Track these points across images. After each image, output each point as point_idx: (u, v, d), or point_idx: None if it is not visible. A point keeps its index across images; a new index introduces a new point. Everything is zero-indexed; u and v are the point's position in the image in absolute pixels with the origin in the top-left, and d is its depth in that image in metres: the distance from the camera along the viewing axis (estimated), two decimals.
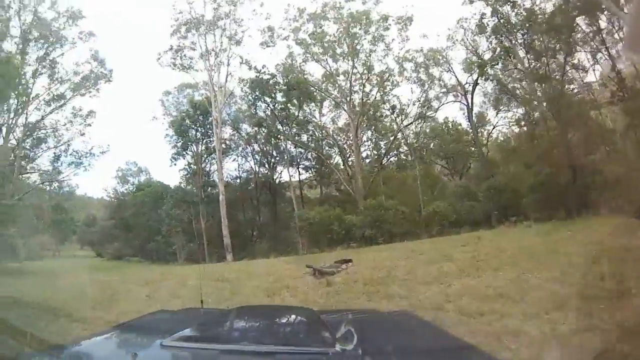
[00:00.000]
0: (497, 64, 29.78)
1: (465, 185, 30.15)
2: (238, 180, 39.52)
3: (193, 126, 36.85)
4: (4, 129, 26.37)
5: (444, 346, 2.51)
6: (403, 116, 34.82)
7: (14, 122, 26.52)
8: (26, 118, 27.44)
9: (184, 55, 32.46)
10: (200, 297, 4.61)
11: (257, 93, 34.32)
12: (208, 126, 35.76)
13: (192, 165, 37.56)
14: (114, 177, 50.98)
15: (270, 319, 3.26)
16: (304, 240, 30.06)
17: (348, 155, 37.25)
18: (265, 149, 38.90)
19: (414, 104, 34.20)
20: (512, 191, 25.81)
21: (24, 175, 30.60)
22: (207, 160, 37.96)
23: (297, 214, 30.83)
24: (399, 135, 35.55)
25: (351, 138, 36.20)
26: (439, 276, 10.81)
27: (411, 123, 35.09)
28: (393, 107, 35.18)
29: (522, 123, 30.66)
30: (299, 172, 38.22)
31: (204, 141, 37.38)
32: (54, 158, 31.67)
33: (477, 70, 30.97)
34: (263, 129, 36.08)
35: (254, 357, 2.11)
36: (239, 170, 39.82)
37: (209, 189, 36.44)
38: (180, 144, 37.12)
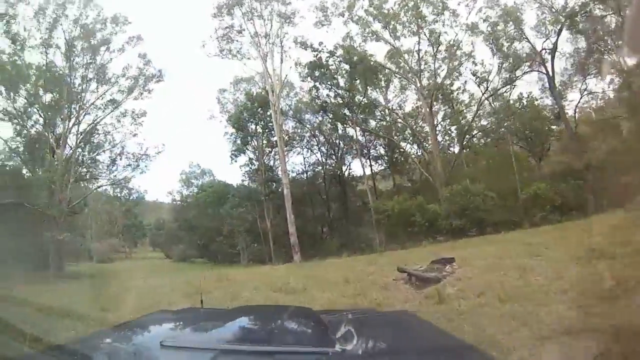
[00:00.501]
0: (589, 10, 24.98)
1: (566, 163, 24.23)
2: (304, 175, 37.38)
3: (252, 120, 35.17)
4: (60, 138, 26.78)
5: (444, 346, 2.41)
6: (486, 84, 31.13)
7: (68, 129, 26.99)
8: (78, 124, 27.94)
9: (231, 39, 30.77)
10: (201, 298, 4.36)
11: (316, 74, 31.72)
12: (268, 119, 34.01)
13: (254, 161, 36.13)
14: (178, 180, 52.53)
15: (270, 319, 3.15)
16: (380, 235, 27.41)
17: (422, 139, 33.92)
18: (331, 139, 36.59)
19: (488, 77, 30.55)
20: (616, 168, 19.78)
21: (82, 182, 30.80)
22: (269, 155, 36.31)
23: (372, 206, 28.28)
24: (474, 115, 32.12)
25: (423, 120, 33.36)
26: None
27: (492, 95, 31.49)
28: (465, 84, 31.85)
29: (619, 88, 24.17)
30: (370, 162, 35.34)
31: (265, 135, 35.63)
32: (110, 162, 30.54)
33: (561, 25, 26.54)
34: (327, 117, 34.04)
35: (254, 357, 2.05)
36: (304, 164, 37.29)
37: (273, 185, 34.67)
38: (239, 139, 35.67)
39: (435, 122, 32.26)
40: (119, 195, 60.07)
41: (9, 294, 11.02)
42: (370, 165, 34.37)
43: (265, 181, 33.58)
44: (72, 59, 26.40)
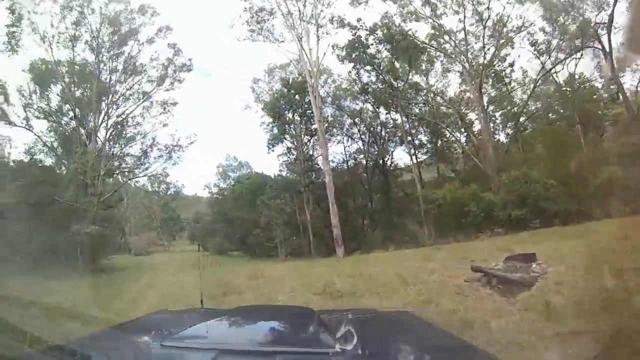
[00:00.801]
0: None
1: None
2: (345, 165, 35.86)
3: (289, 107, 33.80)
4: (91, 132, 26.87)
5: (444, 345, 2.47)
6: (547, 55, 27.87)
7: (99, 123, 27.07)
8: (108, 118, 27.94)
9: (263, 19, 29.38)
10: (201, 297, 4.53)
11: (355, 55, 29.85)
12: (306, 106, 32.77)
13: (292, 151, 34.84)
14: (214, 173, 52.54)
15: (270, 319, 3.21)
16: (428, 227, 26.01)
17: (469, 123, 31.94)
18: (372, 127, 35.09)
19: (549, 47, 27.43)
20: None
21: (114, 176, 30.44)
22: (308, 144, 34.83)
23: (420, 195, 26.52)
24: (530, 93, 29.20)
25: (468, 105, 31.78)
26: None
27: (546, 73, 28.53)
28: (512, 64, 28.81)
29: None
30: (415, 149, 33.15)
31: (303, 123, 34.08)
32: (141, 153, 30.28)
33: None
34: (369, 102, 32.66)
35: (254, 357, 2.11)
36: (344, 153, 35.70)
37: (313, 175, 33.53)
38: (276, 128, 34.53)
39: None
40: (157, 190, 63.74)
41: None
42: (415, 154, 32.37)
43: (304, 171, 32.27)
44: (100, 52, 26.60)
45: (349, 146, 35.58)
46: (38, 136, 25.16)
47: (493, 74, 28.69)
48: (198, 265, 29.09)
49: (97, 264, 22.64)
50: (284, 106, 33.34)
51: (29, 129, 24.69)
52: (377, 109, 32.50)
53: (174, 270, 21.81)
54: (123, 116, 28.16)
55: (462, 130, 32.22)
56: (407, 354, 2.40)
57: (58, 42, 25.17)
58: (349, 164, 34.88)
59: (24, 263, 16.97)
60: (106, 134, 27.17)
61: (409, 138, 32.07)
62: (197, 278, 16.12)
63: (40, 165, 24.53)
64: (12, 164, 23.91)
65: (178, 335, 2.44)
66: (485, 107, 29.04)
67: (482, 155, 26.86)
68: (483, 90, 28.95)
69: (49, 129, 26.08)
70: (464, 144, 31.18)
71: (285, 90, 32.84)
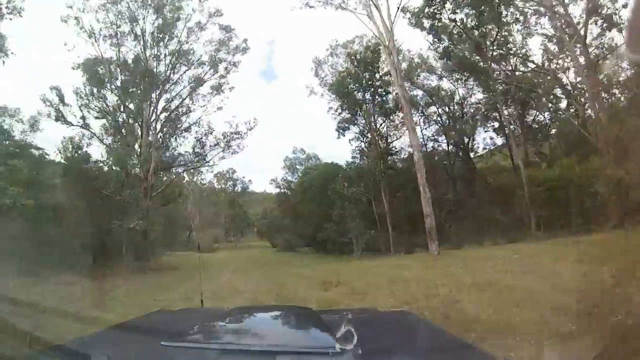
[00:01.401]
0: None
1: None
2: (422, 149, 30.97)
3: (357, 85, 31.01)
4: (143, 125, 25.71)
5: (444, 345, 2.45)
6: None
7: (153, 115, 26.04)
8: (157, 109, 26.67)
9: None
10: (201, 297, 4.62)
11: (431, 11, 25.89)
12: (378, 82, 30.44)
13: (366, 135, 31.88)
14: (282, 167, 52.04)
15: (270, 319, 3.34)
16: (534, 215, 21.30)
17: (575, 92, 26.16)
18: (452, 106, 31.84)
19: None
20: None
21: (167, 170, 29.28)
22: (384, 125, 32.14)
23: (524, 176, 22.46)
24: None
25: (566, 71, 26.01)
26: None
27: None
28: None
29: None
30: (505, 126, 28.71)
31: (376, 101, 31.29)
32: (196, 142, 28.70)
33: None
34: (445, 79, 30.09)
35: (254, 357, 2.10)
36: (423, 137, 32.04)
37: (390, 159, 31.13)
38: (345, 110, 31.89)
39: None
40: (223, 186, 64.77)
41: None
42: (506, 134, 28.51)
43: (380, 155, 29.59)
44: (148, 42, 25.92)
45: (425, 128, 32.46)
46: (93, 133, 24.71)
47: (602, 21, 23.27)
48: (259, 263, 27.88)
49: (145, 261, 21.57)
50: (352, 85, 30.82)
51: (85, 128, 24.42)
52: (457, 83, 29.86)
53: (230, 270, 20.58)
54: (176, 105, 27.58)
55: (561, 100, 27.66)
56: (407, 354, 2.27)
57: (105, 37, 25.01)
58: (426, 148, 31.51)
59: (59, 261, 15.94)
60: (160, 125, 26.73)
61: (496, 114, 28.95)
62: (253, 281, 14.97)
63: (90, 159, 23.69)
64: (62, 160, 23.00)
65: (178, 335, 2.41)
66: (594, 64, 23.41)
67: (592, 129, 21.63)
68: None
69: (104, 126, 25.76)
70: (564, 115, 26.55)
71: (352, 67, 30.50)
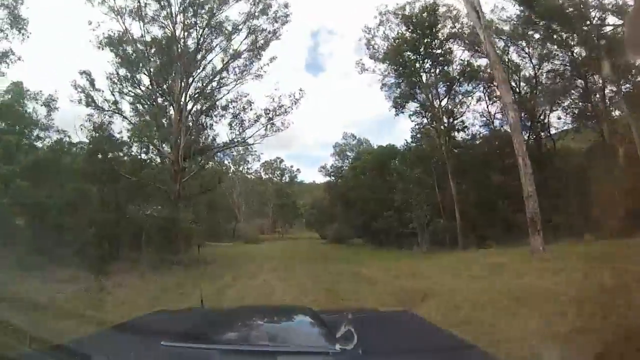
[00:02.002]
0: None
1: None
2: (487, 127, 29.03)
3: (415, 53, 27.78)
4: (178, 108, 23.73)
5: (444, 345, 2.45)
6: None
7: (185, 90, 23.86)
8: (186, 79, 24.05)
9: None
10: (201, 297, 4.51)
11: None
12: (438, 51, 27.34)
13: (427, 109, 28.37)
14: (331, 154, 49.76)
15: (270, 319, 3.34)
16: None
17: None
18: (538, 71, 26.95)
19: None
20: None
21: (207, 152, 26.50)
22: (448, 97, 28.32)
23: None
24: None
25: None
26: None
27: None
28: None
29: None
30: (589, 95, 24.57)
31: (437, 69, 27.78)
32: (233, 118, 25.62)
33: None
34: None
35: (254, 357, 2.11)
36: (486, 115, 28.57)
37: (457, 136, 27.87)
38: (402, 82, 28.67)
39: None
40: (271, 176, 64.12)
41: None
42: (593, 107, 24.21)
43: (445, 131, 26.63)
44: (182, 19, 23.94)
45: (490, 104, 28.46)
46: (124, 116, 23.36)
47: None
48: (307, 256, 24.94)
49: (174, 254, 18.89)
50: (408, 54, 27.83)
51: (117, 112, 23.00)
52: (531, 47, 25.70)
53: (272, 265, 18.51)
54: (209, 79, 25.04)
55: None
56: (407, 354, 2.22)
57: (131, 13, 23.41)
58: (493, 124, 28.36)
59: (62, 254, 14.58)
60: (190, 103, 24.42)
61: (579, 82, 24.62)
62: (298, 282, 12.76)
63: (113, 139, 21.90)
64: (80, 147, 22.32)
65: (178, 335, 2.38)
66: None
67: None
68: None
69: (143, 111, 24.41)
70: None
71: (409, 32, 27.46)
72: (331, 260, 21.28)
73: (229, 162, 48.39)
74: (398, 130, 72.23)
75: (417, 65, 28.30)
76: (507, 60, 26.88)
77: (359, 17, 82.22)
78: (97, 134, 21.26)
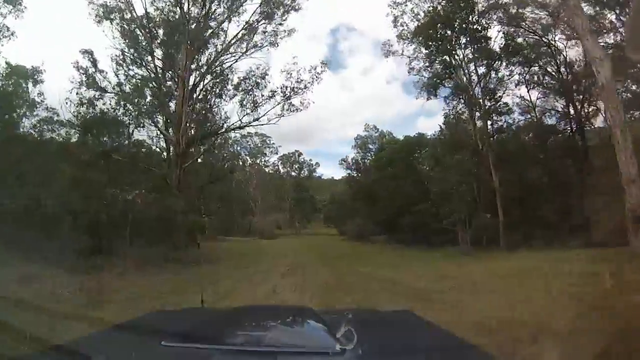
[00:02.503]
0: None
1: None
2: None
3: (448, 27, 24.61)
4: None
5: (444, 345, 2.45)
6: None
7: (184, 66, 21.25)
8: (189, 53, 21.52)
9: None
10: (201, 297, 4.30)
11: None
12: (475, 26, 24.12)
13: (464, 89, 25.28)
14: (352, 146, 47.24)
15: (270, 319, 3.23)
16: None
17: None
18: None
19: None
20: None
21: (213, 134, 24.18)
22: (488, 76, 24.96)
23: None
24: None
25: None
26: None
27: None
28: None
29: None
30: None
31: (472, 45, 24.70)
32: (245, 95, 22.80)
33: None
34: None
35: (254, 357, 2.10)
36: (530, 101, 25.83)
37: (499, 120, 24.90)
38: (435, 61, 25.97)
39: None
40: (288, 169, 62.78)
41: None
42: None
43: (486, 113, 23.64)
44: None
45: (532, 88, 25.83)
46: (139, 106, 20.82)
47: None
48: (325, 255, 22.25)
49: (173, 250, 16.52)
50: (442, 28, 24.77)
51: (118, 93, 20.68)
52: None
53: (284, 265, 16.42)
54: (217, 53, 22.85)
55: None
56: (407, 354, 2.23)
57: None
58: (535, 112, 25.68)
59: (32, 247, 12.38)
60: (202, 83, 22.64)
61: None
62: (317, 292, 10.36)
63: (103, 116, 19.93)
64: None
65: (178, 335, 2.38)
66: None
67: None
68: None
69: (150, 96, 21.82)
70: None
71: (441, 5, 25.16)
72: (356, 261, 19.34)
73: (245, 154, 47.77)
74: (418, 129, 70.39)
75: (452, 42, 25.28)
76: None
77: (378, 14, 79.72)
78: (85, 109, 19.30)
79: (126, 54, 22.07)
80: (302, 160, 63.58)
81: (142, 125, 20.95)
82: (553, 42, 24.94)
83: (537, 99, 26.50)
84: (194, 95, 22.56)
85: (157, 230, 17.01)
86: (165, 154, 22.30)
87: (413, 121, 61.48)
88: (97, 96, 20.71)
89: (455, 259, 18.01)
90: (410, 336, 2.67)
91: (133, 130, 21.58)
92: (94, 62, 21.17)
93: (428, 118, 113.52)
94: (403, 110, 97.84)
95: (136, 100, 20.21)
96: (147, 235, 16.72)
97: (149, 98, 20.81)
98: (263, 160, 55.37)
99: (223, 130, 24.82)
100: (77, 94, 20.21)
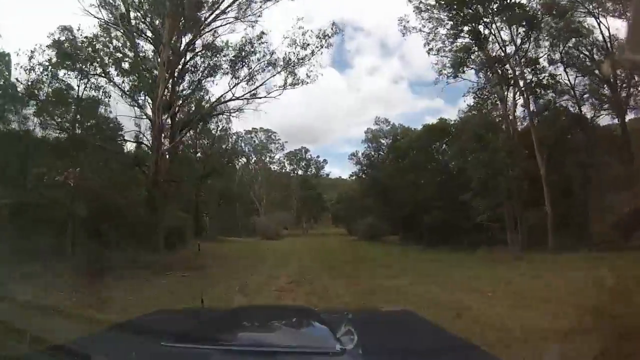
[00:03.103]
0: None
1: None
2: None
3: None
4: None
5: (444, 345, 2.50)
6: None
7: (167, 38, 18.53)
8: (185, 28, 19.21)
9: None
10: (201, 297, 4.78)
11: None
12: None
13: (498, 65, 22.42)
14: (362, 140, 44.42)
15: (270, 319, 3.39)
16: None
17: None
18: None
19: None
20: None
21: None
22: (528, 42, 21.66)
23: None
24: None
25: None
26: None
27: None
28: None
29: None
30: None
31: (499, 16, 21.59)
32: (243, 64, 19.69)
33: None
34: None
35: (254, 357, 2.12)
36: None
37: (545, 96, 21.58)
38: (461, 32, 22.43)
39: None
40: (295, 167, 59.96)
41: None
42: None
43: (530, 87, 20.52)
44: None
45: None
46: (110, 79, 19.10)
47: None
48: (335, 260, 18.96)
49: (152, 252, 14.11)
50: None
51: (103, 76, 18.64)
52: None
53: (285, 278, 13.24)
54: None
55: None
56: (407, 354, 2.24)
57: None
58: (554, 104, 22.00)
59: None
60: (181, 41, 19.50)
61: None
62: None
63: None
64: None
65: (178, 335, 2.42)
66: None
67: None
68: None
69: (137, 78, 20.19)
70: None
71: None
72: (377, 269, 15.89)
73: (249, 150, 46.69)
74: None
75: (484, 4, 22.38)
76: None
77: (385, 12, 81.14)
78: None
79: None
80: (309, 157, 62.79)
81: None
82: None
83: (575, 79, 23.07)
84: (181, 62, 19.43)
85: (123, 229, 13.72)
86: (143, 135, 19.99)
87: (420, 121, 59.36)
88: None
89: (509, 264, 14.44)
90: (411, 336, 2.70)
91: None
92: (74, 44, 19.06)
93: (434, 118, 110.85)
94: (408, 111, 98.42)
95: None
96: (113, 236, 13.50)
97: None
98: (268, 157, 55.57)
99: (214, 102, 21.28)
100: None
